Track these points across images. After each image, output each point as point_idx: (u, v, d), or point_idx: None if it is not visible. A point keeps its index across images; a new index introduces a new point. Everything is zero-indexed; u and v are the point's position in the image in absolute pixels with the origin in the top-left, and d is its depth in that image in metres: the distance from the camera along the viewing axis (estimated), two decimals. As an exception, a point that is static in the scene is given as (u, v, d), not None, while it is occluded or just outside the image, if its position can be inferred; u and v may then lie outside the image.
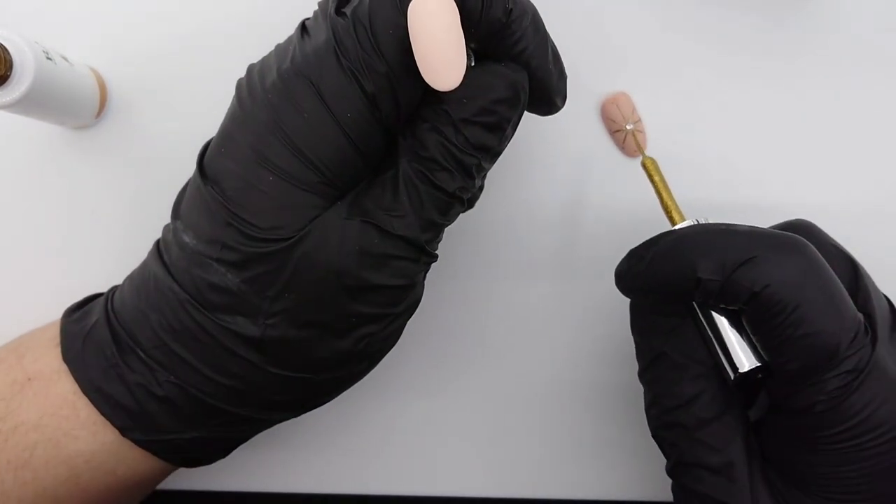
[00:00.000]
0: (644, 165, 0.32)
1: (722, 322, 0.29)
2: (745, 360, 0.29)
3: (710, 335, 0.29)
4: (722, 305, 0.28)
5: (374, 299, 0.28)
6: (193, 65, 0.38)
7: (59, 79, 0.33)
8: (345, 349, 0.29)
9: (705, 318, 0.29)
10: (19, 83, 0.31)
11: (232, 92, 0.38)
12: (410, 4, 0.25)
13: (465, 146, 0.27)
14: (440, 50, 0.25)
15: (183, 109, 0.38)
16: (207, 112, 0.38)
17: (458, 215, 0.29)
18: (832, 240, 0.30)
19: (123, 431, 0.29)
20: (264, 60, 0.29)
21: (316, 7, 0.29)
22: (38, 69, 0.31)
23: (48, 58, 0.32)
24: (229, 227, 0.27)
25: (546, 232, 0.39)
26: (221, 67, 0.38)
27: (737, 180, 0.39)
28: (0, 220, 0.38)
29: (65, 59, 0.34)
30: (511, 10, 0.27)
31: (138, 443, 0.29)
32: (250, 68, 0.29)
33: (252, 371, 0.28)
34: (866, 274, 0.29)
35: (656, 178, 0.32)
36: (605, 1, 0.39)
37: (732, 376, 0.29)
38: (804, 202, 0.39)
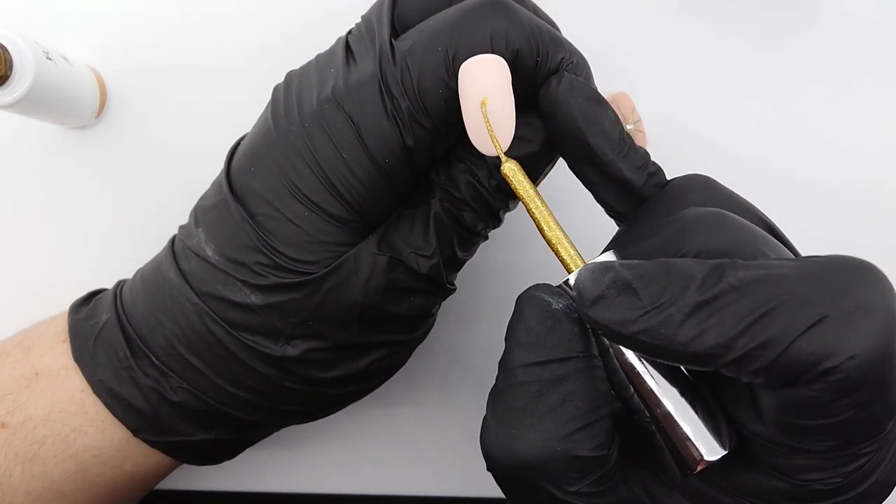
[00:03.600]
0: (505, 175, 0.25)
1: (669, 391, 0.22)
2: (707, 445, 0.22)
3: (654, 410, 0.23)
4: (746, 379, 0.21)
5: (392, 328, 0.29)
6: (193, 64, 0.38)
7: (59, 79, 0.33)
8: (359, 369, 0.29)
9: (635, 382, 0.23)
10: (19, 83, 0.31)
11: (233, 93, 0.38)
12: (462, 67, 0.25)
13: (496, 191, 0.28)
14: (492, 121, 0.24)
15: (183, 109, 0.38)
16: (208, 112, 0.38)
17: (477, 248, 0.30)
18: (738, 196, 0.25)
19: (135, 432, 0.29)
20: (303, 75, 0.28)
21: (359, 19, 0.28)
22: (38, 69, 0.31)
23: (48, 58, 0.32)
24: (258, 253, 0.27)
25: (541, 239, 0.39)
26: (222, 67, 0.38)
27: (739, 181, 0.39)
28: (0, 219, 0.38)
29: (65, 59, 0.34)
30: (563, 61, 0.26)
31: (149, 443, 0.30)
32: (289, 78, 0.28)
33: (266, 384, 0.29)
34: (782, 234, 0.25)
35: (521, 191, 0.25)
36: (604, 2, 0.39)
37: (693, 469, 0.22)
38: (808, 199, 0.39)
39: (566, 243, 0.24)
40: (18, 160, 0.38)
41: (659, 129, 0.39)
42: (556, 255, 0.24)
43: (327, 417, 0.32)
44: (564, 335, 0.22)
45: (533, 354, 0.22)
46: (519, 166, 0.25)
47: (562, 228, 0.24)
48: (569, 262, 0.24)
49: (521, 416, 0.22)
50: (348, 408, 0.32)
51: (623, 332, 0.21)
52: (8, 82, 0.31)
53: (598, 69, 0.36)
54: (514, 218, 0.31)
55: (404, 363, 0.31)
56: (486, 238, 0.30)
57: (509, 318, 0.24)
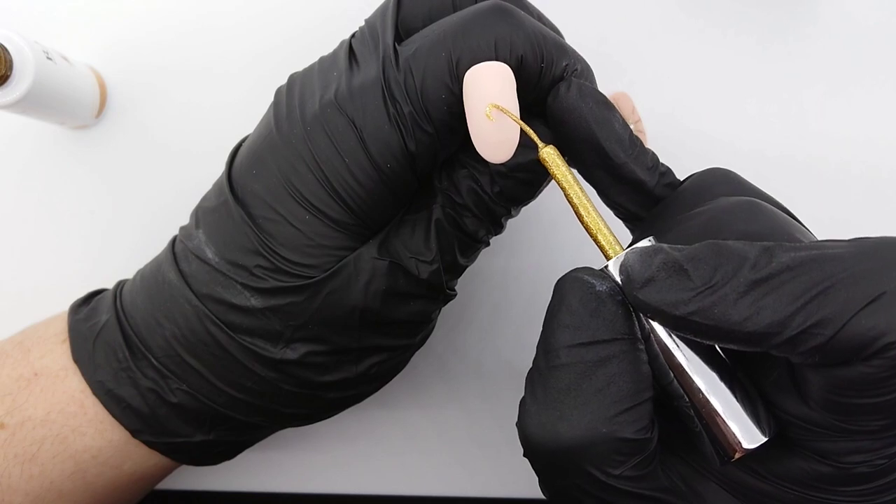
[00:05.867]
0: (543, 160, 0.25)
1: (710, 378, 0.22)
2: (747, 432, 0.22)
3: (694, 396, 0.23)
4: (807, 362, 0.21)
5: (391, 332, 0.29)
6: (193, 65, 0.38)
7: (59, 79, 0.33)
8: (358, 373, 0.29)
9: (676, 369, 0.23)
10: (19, 83, 0.31)
11: (233, 94, 0.38)
12: (468, 74, 0.25)
13: (498, 197, 0.27)
14: (497, 128, 0.24)
15: (183, 109, 0.38)
16: (208, 112, 0.38)
17: (478, 254, 0.30)
18: (759, 189, 0.26)
19: (134, 433, 0.29)
20: (306, 79, 0.28)
21: (362, 23, 0.28)
22: (38, 69, 0.31)
23: (48, 58, 0.32)
24: (258, 256, 0.27)
25: (544, 240, 0.39)
26: (222, 67, 0.38)
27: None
28: (0, 219, 0.38)
29: (65, 59, 0.34)
30: (567, 67, 0.26)
31: (147, 444, 0.30)
32: (291, 81, 0.28)
33: (265, 387, 0.29)
34: (802, 223, 0.25)
35: (559, 177, 0.25)
36: (603, 2, 0.39)
37: (732, 456, 0.22)
38: (808, 199, 0.39)
39: (605, 229, 0.24)
40: (18, 160, 0.38)
41: (659, 129, 0.39)
42: (595, 240, 0.24)
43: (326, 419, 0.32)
44: (609, 316, 0.22)
45: (577, 336, 0.22)
46: (557, 151, 0.25)
47: (600, 214, 0.24)
48: (608, 248, 0.24)
49: (564, 398, 0.22)
50: (348, 409, 0.32)
51: (675, 313, 0.21)
52: (8, 82, 0.31)
53: (598, 69, 0.36)
54: (513, 223, 0.31)
55: (403, 367, 0.31)
56: (488, 244, 0.30)
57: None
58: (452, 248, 0.28)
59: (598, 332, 0.22)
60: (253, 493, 0.39)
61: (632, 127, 0.38)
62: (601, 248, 0.24)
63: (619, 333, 0.22)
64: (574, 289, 0.23)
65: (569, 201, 0.25)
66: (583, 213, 0.24)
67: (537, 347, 0.23)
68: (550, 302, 0.23)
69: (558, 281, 0.23)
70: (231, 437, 0.31)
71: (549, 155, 0.25)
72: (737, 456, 0.22)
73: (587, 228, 0.24)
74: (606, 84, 0.38)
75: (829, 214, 0.39)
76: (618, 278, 0.23)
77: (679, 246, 0.22)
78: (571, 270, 0.23)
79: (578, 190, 0.24)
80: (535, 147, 0.25)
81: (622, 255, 0.23)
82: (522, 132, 0.25)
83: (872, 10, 0.39)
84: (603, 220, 0.24)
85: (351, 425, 0.39)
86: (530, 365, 0.24)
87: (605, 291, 0.23)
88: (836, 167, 0.39)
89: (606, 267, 0.23)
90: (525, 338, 0.39)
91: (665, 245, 0.22)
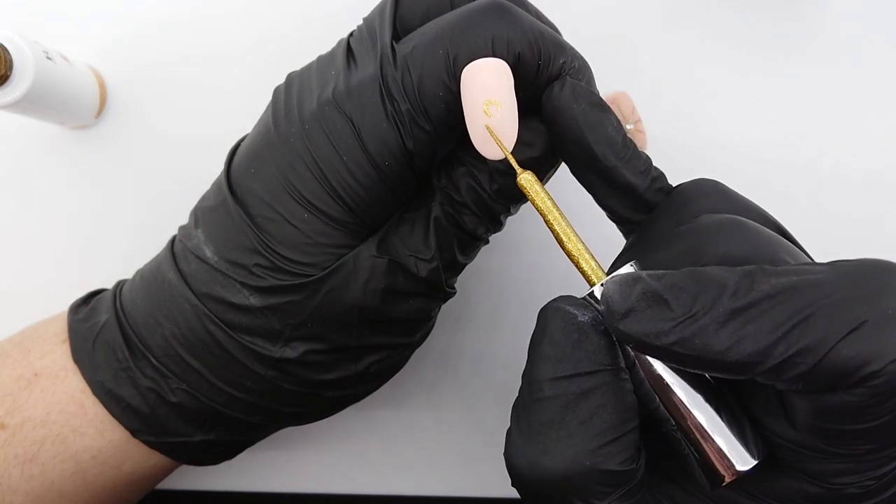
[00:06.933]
0: (521, 187, 0.24)
1: (697, 401, 0.22)
2: (738, 456, 0.22)
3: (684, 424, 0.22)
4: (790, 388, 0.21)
5: (391, 330, 0.29)
6: (193, 64, 0.38)
7: (59, 79, 0.33)
8: (357, 371, 0.29)
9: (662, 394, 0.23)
10: (19, 83, 0.31)
11: (233, 93, 0.38)
12: (465, 70, 0.25)
13: (497, 195, 0.27)
14: (495, 125, 0.24)
15: (183, 109, 0.38)
16: (208, 112, 0.38)
17: (477, 252, 0.30)
18: (748, 200, 0.25)
19: (134, 433, 0.29)
20: (304, 78, 0.28)
21: (360, 21, 0.28)
22: (38, 69, 0.31)
23: (48, 58, 0.32)
24: (257, 254, 0.27)
25: (543, 238, 0.38)
26: (221, 67, 0.38)
27: (738, 183, 0.39)
28: (0, 219, 0.38)
29: (65, 59, 0.34)
30: (565, 65, 0.26)
31: (147, 443, 0.30)
32: (289, 80, 0.28)
33: (265, 386, 0.29)
34: (792, 236, 0.25)
35: (539, 203, 0.24)
36: (603, 2, 0.39)
37: (723, 480, 0.22)
38: (807, 201, 0.39)
39: (587, 255, 0.24)
40: (18, 160, 0.38)
41: (658, 130, 0.39)
42: (577, 267, 0.24)
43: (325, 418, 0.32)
44: (591, 348, 0.22)
45: (559, 368, 0.22)
46: (535, 177, 0.24)
47: (581, 240, 0.24)
48: (591, 274, 0.23)
49: (548, 431, 0.22)
50: (348, 409, 0.32)
51: (656, 343, 0.21)
52: (8, 82, 0.31)
53: (597, 70, 0.36)
54: (512, 221, 0.31)
55: (403, 366, 0.31)
56: (487, 242, 0.30)
57: (530, 329, 0.23)
58: (451, 246, 0.28)
59: (581, 364, 0.22)
60: (253, 493, 0.39)
61: (632, 127, 0.38)
62: (583, 273, 0.24)
63: (601, 365, 0.22)
64: (556, 319, 0.23)
65: (549, 227, 0.24)
66: (563, 239, 0.24)
67: (522, 378, 0.23)
68: (534, 332, 0.23)
69: (541, 310, 0.23)
70: (231, 436, 0.31)
71: (528, 181, 0.24)
72: (727, 480, 0.22)
73: (569, 255, 0.24)
74: (606, 84, 0.39)
75: (828, 215, 0.39)
76: (599, 307, 0.22)
77: (659, 273, 0.21)
78: (554, 299, 0.23)
79: (558, 215, 0.24)
80: (534, 145, 0.25)
81: (604, 282, 0.22)
82: (521, 128, 0.25)
83: (872, 13, 0.39)
84: (585, 245, 0.24)
85: (352, 425, 0.39)
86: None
87: (588, 322, 0.22)
88: (835, 169, 0.39)
89: (591, 294, 0.23)
90: (524, 337, 0.38)
91: (644, 273, 0.21)
